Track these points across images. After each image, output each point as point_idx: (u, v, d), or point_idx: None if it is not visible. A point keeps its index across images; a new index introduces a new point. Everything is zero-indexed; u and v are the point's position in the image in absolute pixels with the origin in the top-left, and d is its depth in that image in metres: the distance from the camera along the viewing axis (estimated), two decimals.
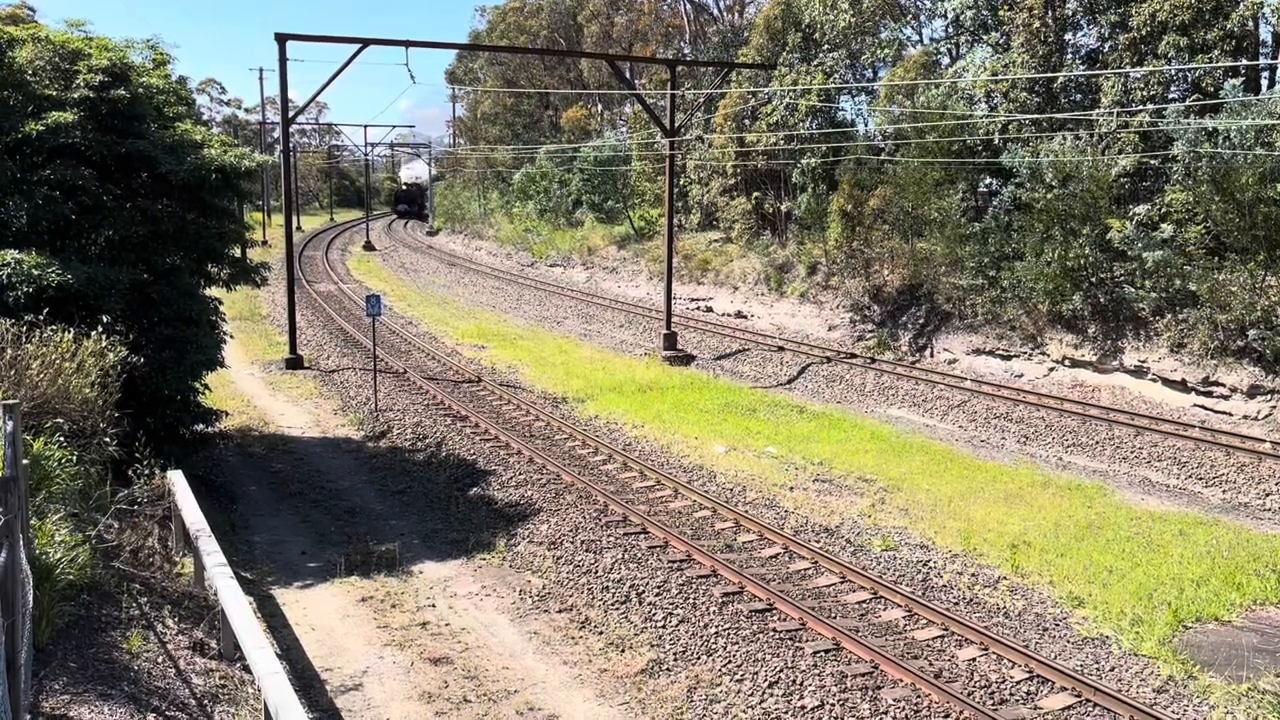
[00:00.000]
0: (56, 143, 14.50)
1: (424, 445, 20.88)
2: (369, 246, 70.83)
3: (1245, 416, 21.03)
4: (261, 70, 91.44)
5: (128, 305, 14.90)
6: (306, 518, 16.80)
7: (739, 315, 37.09)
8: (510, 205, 66.85)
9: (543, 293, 45.70)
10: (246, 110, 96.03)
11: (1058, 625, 12.60)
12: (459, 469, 19.14)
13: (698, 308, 39.04)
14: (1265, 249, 21.36)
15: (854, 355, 29.35)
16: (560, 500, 17.10)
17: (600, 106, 65.56)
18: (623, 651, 11.93)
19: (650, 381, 27.41)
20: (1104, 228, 24.04)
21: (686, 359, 31.22)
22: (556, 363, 29.83)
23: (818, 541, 15.36)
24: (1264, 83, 25.22)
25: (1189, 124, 22.26)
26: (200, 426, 17.47)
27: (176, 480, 13.13)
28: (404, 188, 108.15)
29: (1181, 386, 22.50)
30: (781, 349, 31.17)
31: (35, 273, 13.08)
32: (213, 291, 18.22)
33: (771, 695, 10.79)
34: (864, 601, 13.18)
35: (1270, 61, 25.04)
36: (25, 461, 8.23)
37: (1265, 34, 25.27)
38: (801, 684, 10.98)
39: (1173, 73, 24.61)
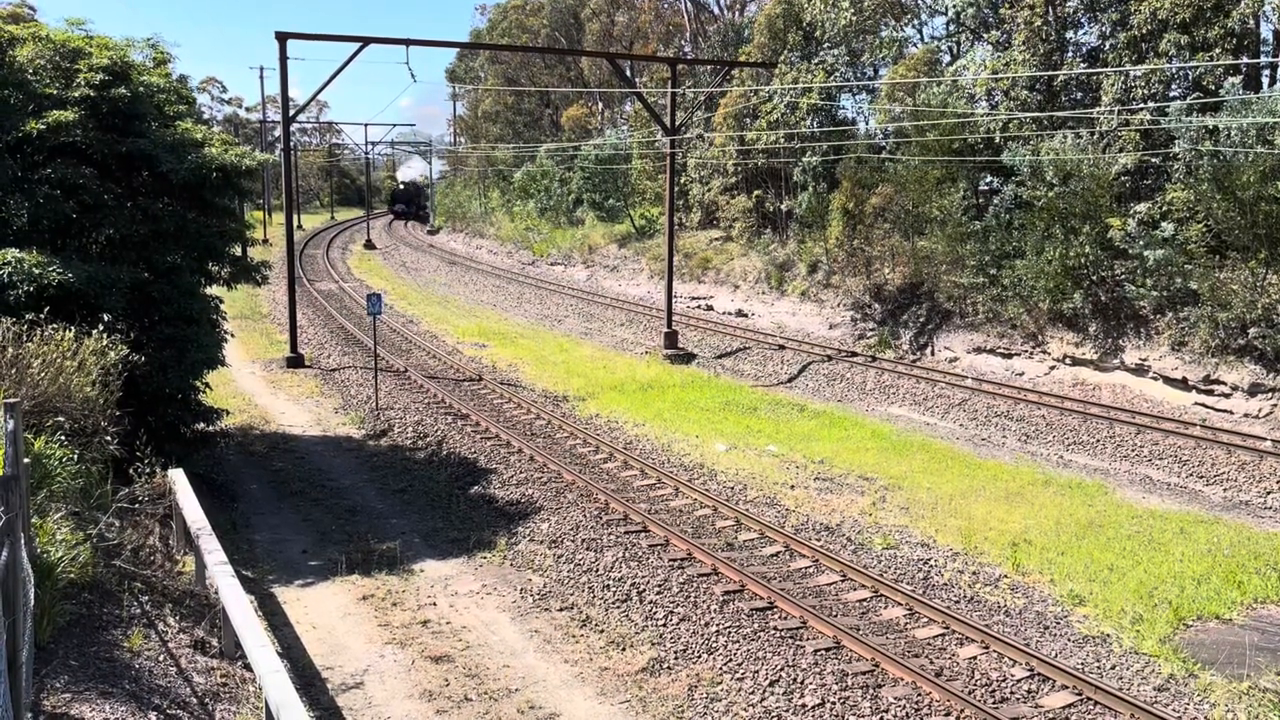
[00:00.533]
0: (57, 141, 14.50)
1: (425, 444, 20.88)
2: (370, 245, 70.83)
3: (1246, 415, 21.02)
4: (262, 69, 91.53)
5: (129, 304, 14.90)
6: (307, 516, 16.80)
7: (740, 314, 37.09)
8: (511, 204, 66.85)
9: (543, 291, 45.70)
10: (247, 109, 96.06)
11: (1058, 623, 12.60)
12: (460, 467, 19.15)
13: (698, 306, 39.03)
14: (1266, 247, 21.35)
15: (855, 354, 29.35)
16: (561, 499, 17.10)
17: (601, 105, 65.54)
18: (624, 650, 11.93)
19: (651, 380, 27.41)
20: (1105, 226, 24.03)
21: (687, 357, 31.22)
22: (557, 361, 29.83)
23: (818, 540, 15.37)
24: (1265, 81, 25.20)
25: (1190, 122, 22.25)
26: (201, 425, 17.46)
27: (177, 479, 13.14)
28: (400, 187, 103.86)
29: (1182, 385, 22.49)
30: (782, 347, 31.16)
31: (36, 271, 13.08)
32: (213, 290, 18.22)
33: (772, 694, 10.79)
34: (865, 600, 13.18)
35: (1271, 59, 25.02)
36: (26, 460, 8.23)
37: (1266, 32, 25.26)
38: (802, 682, 10.98)
39: (1173, 71, 24.58)
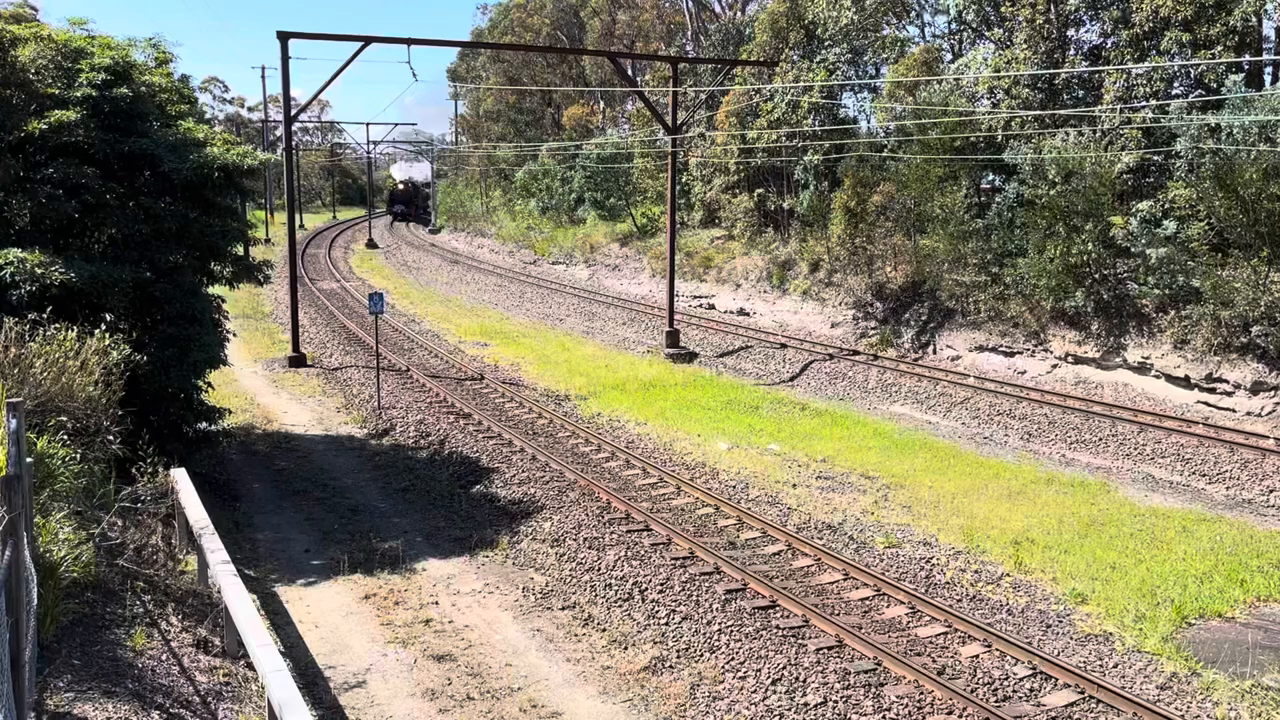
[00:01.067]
0: (59, 141, 14.50)
1: (427, 443, 20.89)
2: (371, 244, 70.85)
3: (1249, 413, 21.01)
4: (264, 68, 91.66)
5: (131, 303, 14.91)
6: (310, 515, 16.81)
7: (741, 312, 37.08)
8: (513, 203, 66.86)
9: (545, 290, 45.70)
10: (249, 108, 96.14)
11: (1061, 622, 12.60)
12: (462, 466, 19.15)
13: (700, 305, 39.02)
14: (1268, 245, 21.33)
15: (856, 352, 29.34)
16: (563, 498, 17.11)
17: (603, 104, 65.52)
18: (626, 649, 11.94)
19: (653, 379, 27.41)
20: (1107, 224, 24.01)
21: (689, 356, 31.22)
22: (559, 360, 29.83)
23: (820, 539, 15.36)
24: (1267, 78, 25.18)
25: (1192, 120, 22.22)
26: (203, 424, 17.47)
27: (180, 478, 13.15)
28: (399, 187, 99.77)
29: (1185, 383, 22.48)
30: (784, 346, 31.15)
31: (39, 271, 13.09)
32: (216, 289, 18.23)
33: (774, 692, 10.80)
34: (867, 598, 13.18)
35: (1273, 57, 25.00)
36: (29, 459, 8.24)
37: (1268, 29, 25.25)
38: (804, 681, 10.98)
39: (1175, 69, 24.56)
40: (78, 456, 10.45)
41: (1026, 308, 26.20)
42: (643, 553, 14.64)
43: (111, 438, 11.44)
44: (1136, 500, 17.49)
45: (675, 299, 33.04)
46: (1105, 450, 20.45)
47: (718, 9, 56.41)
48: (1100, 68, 25.96)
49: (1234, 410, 21.31)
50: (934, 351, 28.52)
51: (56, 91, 14.85)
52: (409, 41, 28.86)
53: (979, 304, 27.70)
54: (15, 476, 6.80)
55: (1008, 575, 13.99)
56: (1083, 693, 10.68)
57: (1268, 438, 19.52)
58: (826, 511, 16.61)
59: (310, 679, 10.99)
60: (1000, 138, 27.40)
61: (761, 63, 37.35)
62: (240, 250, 20.03)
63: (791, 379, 27.95)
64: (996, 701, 10.59)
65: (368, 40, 28.23)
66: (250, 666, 9.55)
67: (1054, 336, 25.66)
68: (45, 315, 11.93)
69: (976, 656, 11.56)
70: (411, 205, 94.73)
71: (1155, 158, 24.56)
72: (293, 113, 30.13)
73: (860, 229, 32.05)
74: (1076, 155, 24.24)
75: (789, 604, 12.72)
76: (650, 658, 11.66)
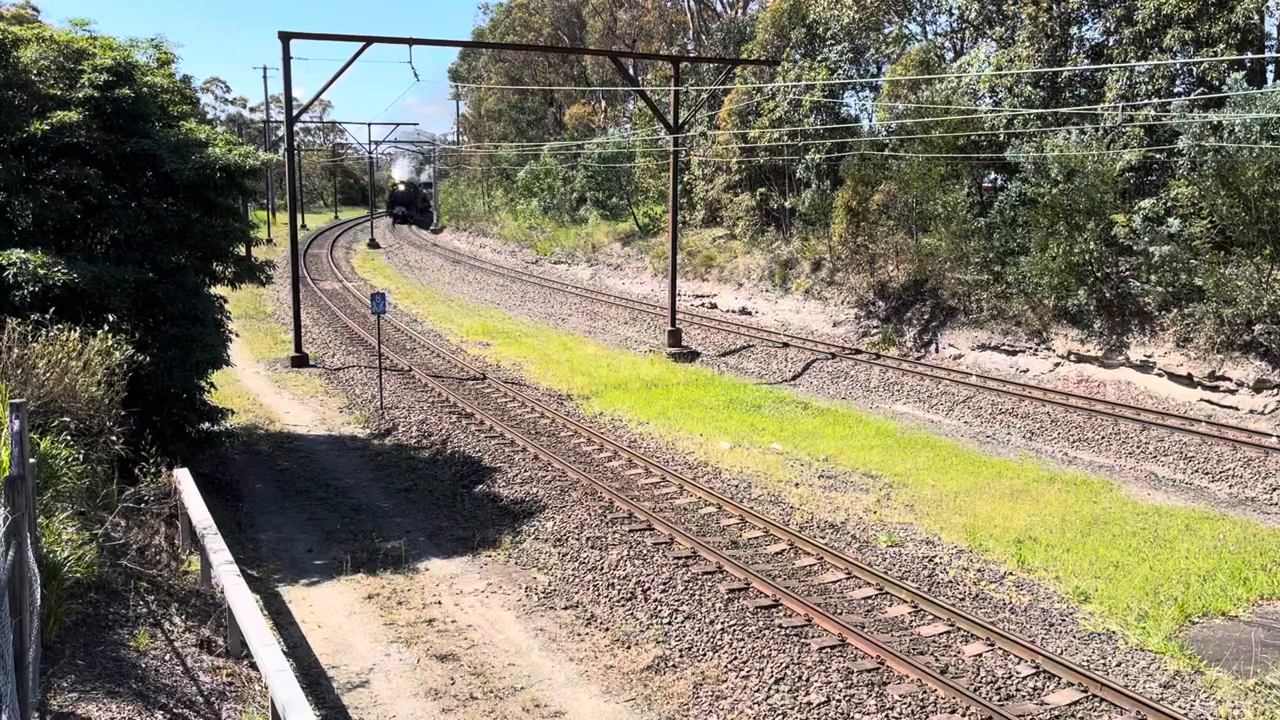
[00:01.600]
0: (61, 142, 14.51)
1: (429, 443, 20.90)
2: (373, 244, 70.91)
3: (1252, 411, 20.99)
4: (265, 69, 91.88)
5: (133, 304, 14.91)
6: (313, 515, 16.83)
7: (743, 311, 37.07)
8: (515, 202, 66.88)
9: (547, 290, 45.71)
10: (251, 109, 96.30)
11: (1064, 620, 12.59)
12: (464, 466, 19.16)
13: (702, 304, 39.02)
14: (1271, 243, 21.31)
15: (859, 351, 29.33)
16: (566, 497, 17.11)
17: (604, 103, 65.52)
18: (629, 648, 11.94)
19: (655, 378, 27.41)
20: (1109, 222, 23.99)
21: (691, 356, 31.22)
22: (561, 360, 29.84)
23: (823, 537, 15.36)
24: (1269, 76, 25.14)
25: (1194, 118, 22.20)
26: (206, 425, 17.48)
27: (183, 478, 13.16)
28: (400, 187, 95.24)
29: (1188, 381, 22.46)
30: (786, 345, 31.15)
31: (41, 272, 13.10)
32: (218, 290, 18.24)
33: (777, 691, 10.79)
34: (870, 597, 13.17)
35: (1275, 55, 24.96)
36: (32, 460, 8.25)
37: (1270, 27, 25.22)
38: (807, 680, 10.98)
39: (1178, 66, 24.53)
40: (81, 457, 10.46)
41: (1029, 306, 26.18)
42: (645, 552, 14.64)
43: (114, 438, 11.45)
44: (1139, 499, 17.48)
45: (677, 298, 33.04)
46: (1108, 449, 20.43)
47: (719, 8, 56.39)
48: (1102, 66, 25.94)
49: (1237, 408, 21.29)
50: (936, 350, 28.51)
51: (58, 92, 14.86)
52: (410, 41, 28.87)
53: (981, 303, 27.68)
54: (19, 477, 6.81)
55: (1010, 574, 13.98)
56: (1086, 691, 10.67)
57: (1270, 436, 19.50)
58: (829, 510, 16.60)
59: (313, 679, 11.00)
60: (1002, 136, 27.38)
61: (763, 62, 37.34)
62: (242, 250, 20.03)
63: (794, 378, 27.94)
64: (1000, 700, 10.58)
65: (369, 40, 28.25)
66: (254, 666, 9.56)
67: (1056, 335, 25.64)
68: (48, 316, 11.94)
69: (979, 655, 11.55)
70: (412, 207, 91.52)
71: (1157, 156, 24.53)
72: (294, 113, 30.14)
73: (862, 228, 32.03)
74: (1079, 154, 24.22)
75: (792, 603, 12.72)
76: (653, 657, 11.66)
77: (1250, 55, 23.55)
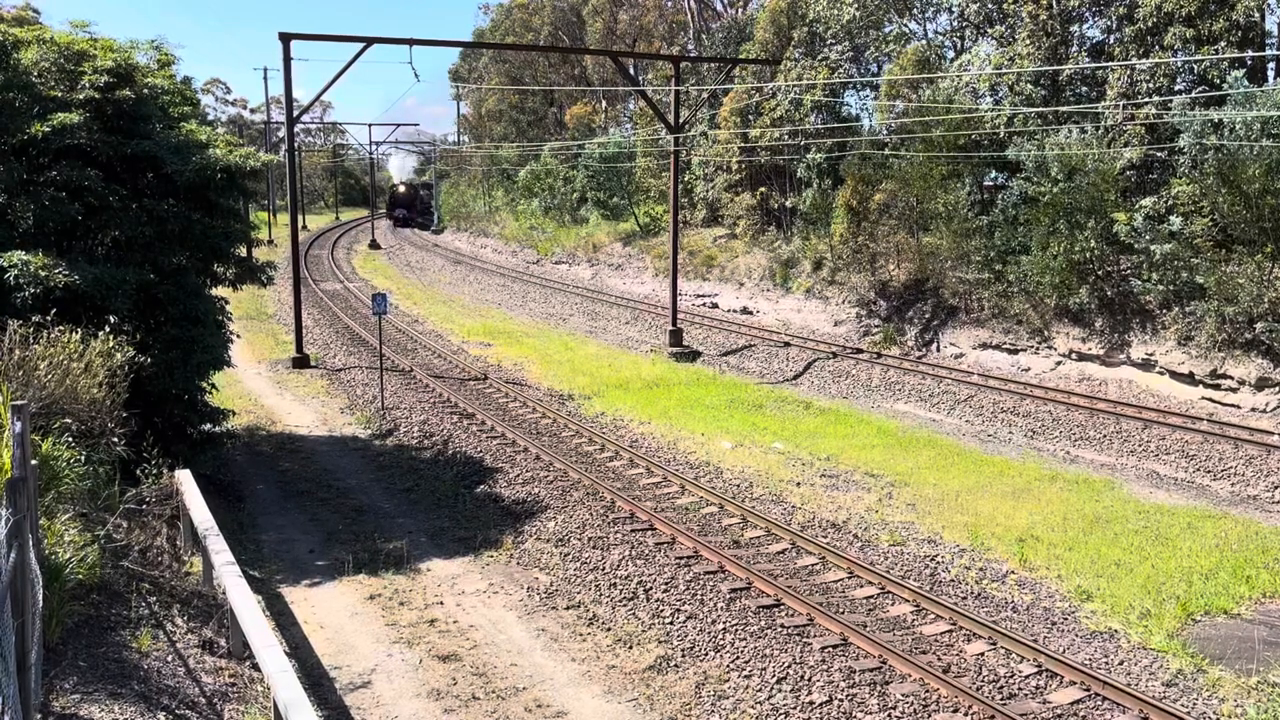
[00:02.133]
0: (62, 144, 14.52)
1: (431, 443, 20.91)
2: (374, 245, 70.92)
3: (1254, 409, 20.97)
4: (266, 70, 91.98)
5: (134, 305, 14.91)
6: (314, 516, 16.83)
7: (744, 311, 37.07)
8: (515, 203, 66.89)
9: (548, 290, 45.72)
10: (251, 110, 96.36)
11: (1066, 619, 12.58)
12: (466, 466, 19.17)
13: (703, 304, 39.02)
14: (1272, 241, 21.29)
15: (860, 350, 29.32)
16: (567, 497, 17.11)
17: (605, 103, 65.52)
18: (631, 648, 11.94)
19: (656, 378, 27.41)
20: (1110, 221, 23.97)
21: (692, 355, 31.22)
22: (562, 360, 29.84)
23: (825, 537, 15.36)
24: (1270, 74, 25.12)
25: (1195, 116, 22.18)
26: (208, 426, 17.49)
27: (184, 479, 13.17)
28: (400, 189, 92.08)
29: (1189, 379, 22.44)
30: (787, 344, 31.14)
31: (42, 274, 13.11)
32: (219, 291, 18.25)
33: (780, 691, 10.79)
34: (872, 596, 13.17)
35: (1276, 53, 24.94)
36: (34, 462, 8.25)
37: (1271, 25, 25.19)
38: (810, 679, 10.97)
39: (1179, 65, 24.51)
40: (82, 459, 10.47)
41: (1030, 305, 26.17)
42: (647, 552, 14.64)
43: (116, 440, 11.45)
44: (1141, 497, 17.47)
45: (678, 298, 33.04)
46: (1109, 447, 20.42)
47: (720, 7, 56.38)
48: (1103, 64, 25.92)
49: (1239, 406, 21.27)
50: (938, 349, 28.50)
51: (59, 94, 14.87)
52: (411, 42, 28.87)
53: (982, 301, 27.67)
54: (20, 479, 6.81)
55: (1012, 573, 13.98)
56: (1088, 690, 10.67)
57: (1272, 434, 19.49)
58: (831, 510, 16.60)
59: (316, 679, 11.00)
60: (1003, 135, 27.36)
61: (764, 61, 37.33)
62: (243, 251, 20.02)
63: (795, 377, 27.94)
64: (1002, 699, 10.58)
65: (369, 41, 28.26)
66: (256, 667, 9.56)
67: (1058, 334, 25.63)
68: (49, 318, 11.95)
69: (982, 654, 11.55)
70: (414, 209, 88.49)
71: (1158, 154, 24.51)
72: (295, 114, 30.16)
73: (863, 227, 32.02)
74: (1080, 152, 24.21)
75: (794, 602, 12.72)
76: (655, 657, 11.66)
77: (1251, 53, 23.52)
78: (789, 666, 11.23)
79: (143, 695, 8.07)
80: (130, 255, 15.21)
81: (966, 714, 10.28)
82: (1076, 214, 24.47)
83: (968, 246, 27.96)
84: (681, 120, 32.97)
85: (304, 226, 79.35)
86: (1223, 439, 19.65)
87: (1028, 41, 27.46)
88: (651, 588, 13.42)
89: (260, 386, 26.69)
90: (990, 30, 30.34)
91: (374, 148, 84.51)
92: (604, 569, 14.13)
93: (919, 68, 30.53)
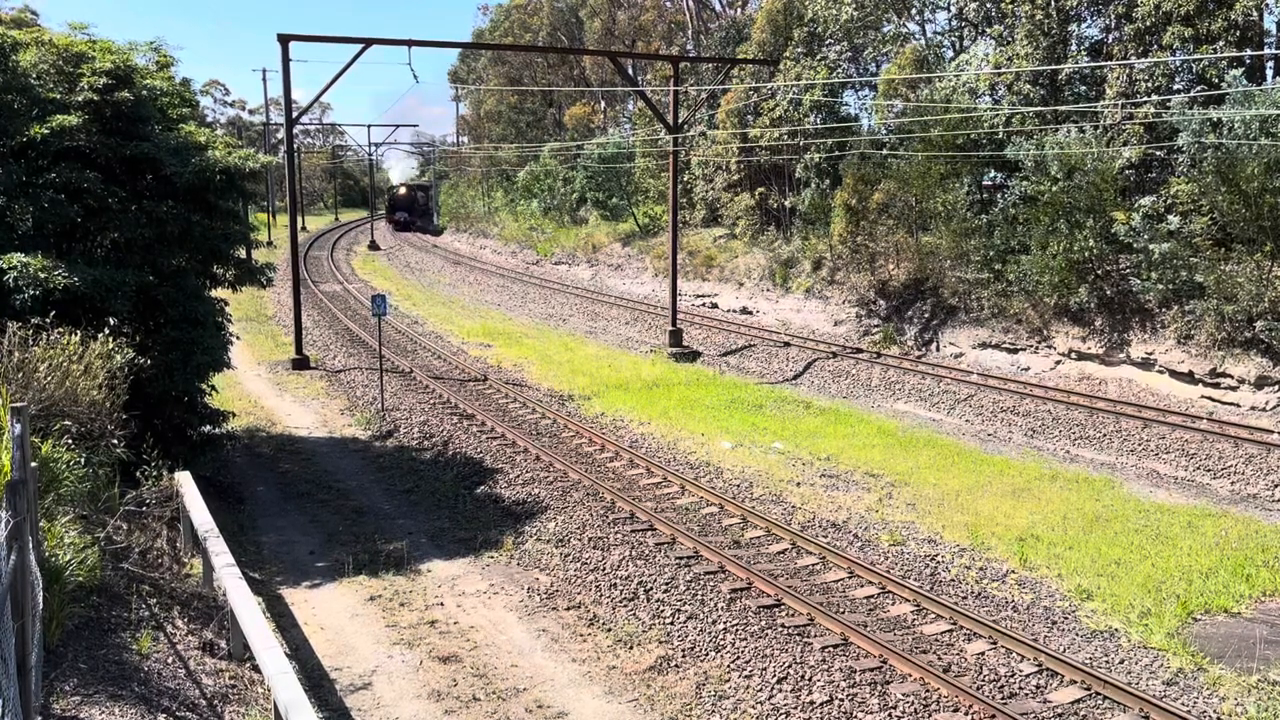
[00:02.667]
0: (61, 145, 14.52)
1: (431, 444, 20.91)
2: (374, 246, 70.91)
3: (1253, 407, 20.98)
4: (265, 71, 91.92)
5: (134, 307, 14.91)
6: (314, 518, 16.83)
7: (744, 311, 37.07)
8: (515, 203, 66.91)
9: (548, 290, 45.71)
10: (250, 111, 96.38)
11: (1066, 618, 12.58)
12: (466, 467, 19.16)
13: (703, 304, 39.02)
14: (1272, 240, 21.30)
15: (860, 350, 29.32)
16: (567, 498, 17.11)
17: (604, 104, 65.53)
18: (631, 648, 11.94)
19: (656, 378, 27.41)
20: (1109, 220, 23.98)
21: (692, 355, 31.22)
22: (562, 360, 29.84)
23: (825, 537, 15.36)
24: (1269, 72, 25.13)
25: (1194, 115, 22.19)
26: (208, 427, 17.49)
27: (184, 481, 13.16)
28: (400, 192, 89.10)
29: (1189, 378, 22.44)
30: (787, 344, 31.14)
31: (42, 275, 13.10)
32: (219, 293, 18.24)
33: (780, 691, 10.79)
34: (872, 596, 13.17)
35: (1275, 51, 24.95)
36: (34, 464, 8.25)
37: (1269, 24, 25.21)
38: (810, 679, 10.97)
39: (1177, 64, 24.52)
40: (82, 461, 10.46)
41: (1029, 304, 26.17)
42: (647, 552, 14.64)
43: (116, 441, 11.45)
44: (1141, 496, 17.47)
45: (678, 298, 33.04)
46: (1109, 446, 20.42)
47: (718, 7, 56.39)
48: (1102, 63, 25.93)
49: (1238, 405, 21.28)
50: (937, 349, 28.50)
51: (58, 96, 14.87)
52: (410, 43, 28.86)
53: (982, 301, 27.67)
54: (20, 481, 6.81)
55: (1013, 572, 13.98)
56: (1089, 689, 10.67)
57: (1272, 432, 19.49)
58: (831, 510, 16.60)
59: (316, 681, 11.00)
60: (1002, 134, 27.37)
61: (763, 61, 37.34)
62: (242, 253, 20.02)
63: (795, 377, 27.94)
64: (1003, 699, 10.58)
65: (368, 43, 28.25)
66: (256, 669, 9.55)
67: (1057, 333, 25.63)
68: (49, 320, 11.94)
69: (982, 654, 11.55)
70: (414, 211, 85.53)
71: (1157, 153, 24.52)
72: (294, 115, 30.14)
73: (862, 227, 32.03)
74: (1079, 151, 24.21)
75: (794, 602, 12.72)
76: (656, 657, 11.65)
77: (1250, 52, 23.54)
78: (789, 666, 11.23)
79: (143, 697, 8.07)
80: (130, 257, 15.21)
81: (967, 713, 10.28)
82: (1076, 213, 24.48)
83: (967, 246, 27.97)
84: (680, 120, 32.97)
85: (303, 228, 79.35)
86: (1222, 437, 19.65)
87: (1026, 41, 27.48)
88: (652, 588, 13.42)
89: (260, 388, 26.69)
90: (989, 30, 30.35)
91: (373, 149, 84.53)
92: (604, 569, 14.13)
93: (917, 67, 30.55)
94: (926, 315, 29.46)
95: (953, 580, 13.80)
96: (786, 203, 38.14)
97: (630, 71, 56.50)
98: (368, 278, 53.17)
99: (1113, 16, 26.40)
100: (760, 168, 39.16)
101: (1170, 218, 23.17)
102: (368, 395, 25.21)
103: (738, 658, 11.53)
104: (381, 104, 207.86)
